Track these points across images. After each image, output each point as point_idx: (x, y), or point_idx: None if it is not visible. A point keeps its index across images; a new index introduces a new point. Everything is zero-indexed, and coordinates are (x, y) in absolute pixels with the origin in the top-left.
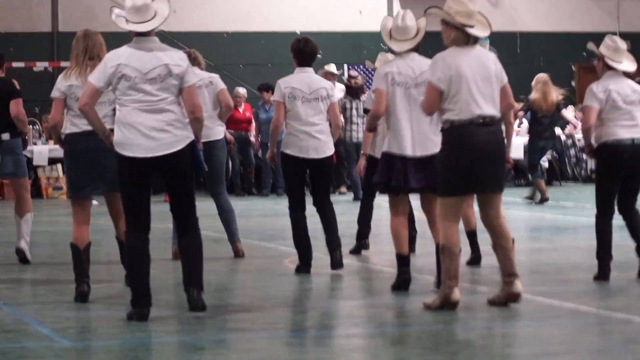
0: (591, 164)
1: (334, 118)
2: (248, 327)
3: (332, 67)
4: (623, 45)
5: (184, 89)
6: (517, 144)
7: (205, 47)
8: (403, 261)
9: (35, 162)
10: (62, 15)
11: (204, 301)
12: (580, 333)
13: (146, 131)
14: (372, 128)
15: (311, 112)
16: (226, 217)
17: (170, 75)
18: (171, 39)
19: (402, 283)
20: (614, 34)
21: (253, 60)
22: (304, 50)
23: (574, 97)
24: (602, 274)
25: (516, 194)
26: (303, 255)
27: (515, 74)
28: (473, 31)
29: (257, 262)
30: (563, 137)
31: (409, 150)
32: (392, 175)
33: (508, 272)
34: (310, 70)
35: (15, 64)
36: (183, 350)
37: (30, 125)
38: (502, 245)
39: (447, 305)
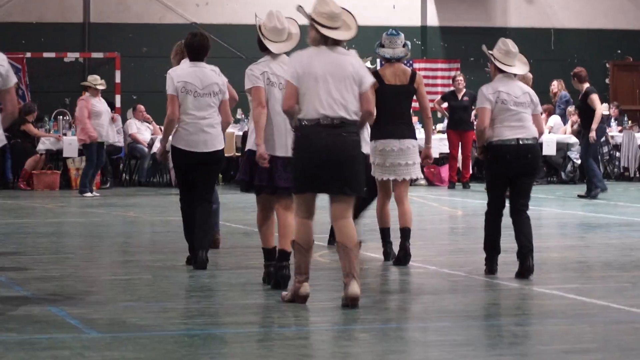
0: (624, 161)
1: (225, 115)
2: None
3: (366, 62)
4: (514, 48)
5: (5, 90)
6: (550, 140)
7: (237, 39)
8: (269, 255)
9: (65, 154)
10: (94, 6)
11: None
12: (611, 331)
13: None
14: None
15: (202, 107)
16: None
17: None
18: (203, 31)
19: (268, 276)
20: None
21: None
22: (192, 44)
23: (608, 95)
24: (490, 269)
25: (548, 190)
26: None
27: (548, 71)
28: (327, 32)
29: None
30: None
31: (278, 150)
32: (255, 174)
33: (346, 272)
34: (202, 64)
35: (45, 55)
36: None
37: (60, 116)
38: (344, 244)
39: (297, 298)
